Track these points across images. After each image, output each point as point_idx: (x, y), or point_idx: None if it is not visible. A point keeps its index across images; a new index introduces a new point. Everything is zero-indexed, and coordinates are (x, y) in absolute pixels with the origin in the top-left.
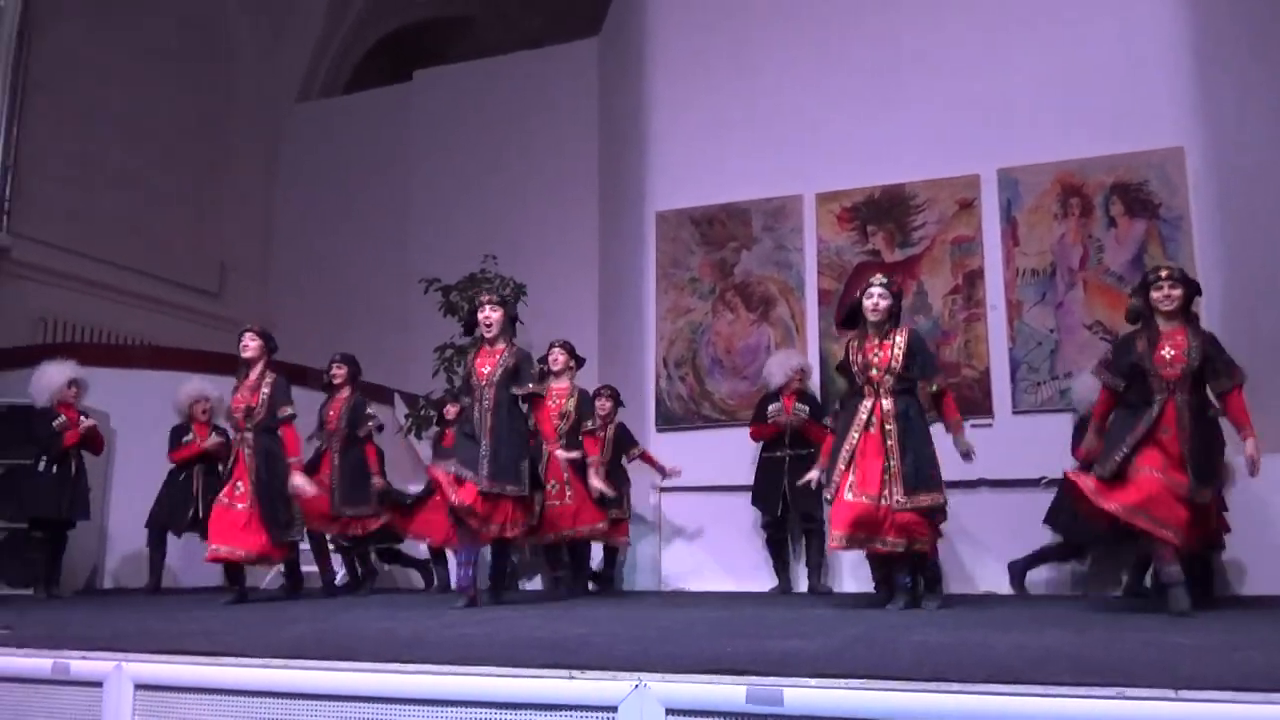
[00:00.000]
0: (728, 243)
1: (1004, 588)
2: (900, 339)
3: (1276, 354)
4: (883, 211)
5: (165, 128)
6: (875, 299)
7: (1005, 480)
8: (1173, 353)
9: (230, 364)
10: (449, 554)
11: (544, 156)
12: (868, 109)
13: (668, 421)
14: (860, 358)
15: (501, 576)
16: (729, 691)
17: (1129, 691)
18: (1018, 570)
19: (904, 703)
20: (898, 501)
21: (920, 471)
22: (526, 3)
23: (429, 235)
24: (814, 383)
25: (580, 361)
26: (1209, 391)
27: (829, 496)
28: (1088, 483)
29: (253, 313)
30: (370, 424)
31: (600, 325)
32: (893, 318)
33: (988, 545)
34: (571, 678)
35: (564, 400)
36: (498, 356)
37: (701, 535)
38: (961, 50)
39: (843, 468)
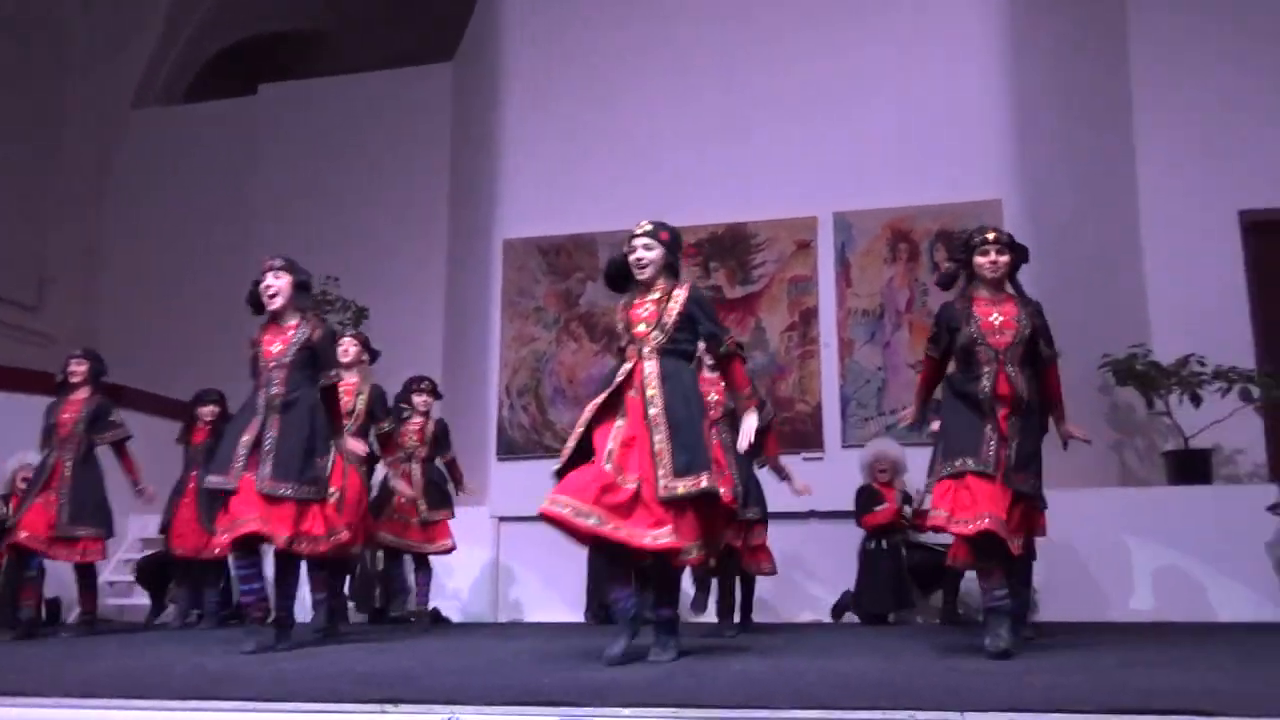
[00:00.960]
0: (574, 273)
1: (826, 616)
2: (680, 293)
3: (1081, 397)
4: (725, 248)
5: None
6: (639, 252)
7: (836, 511)
8: (1001, 319)
9: (45, 382)
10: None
11: (393, 178)
12: (714, 149)
13: (509, 450)
14: (626, 316)
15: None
16: None
17: (919, 715)
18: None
19: None
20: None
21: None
22: (385, 22)
23: (270, 253)
24: None
25: (374, 355)
26: (1038, 360)
27: None
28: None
29: (74, 328)
30: (114, 432)
31: (445, 351)
32: (668, 269)
33: (818, 574)
34: (385, 713)
35: (352, 397)
36: (290, 333)
37: (538, 566)
38: (804, 99)
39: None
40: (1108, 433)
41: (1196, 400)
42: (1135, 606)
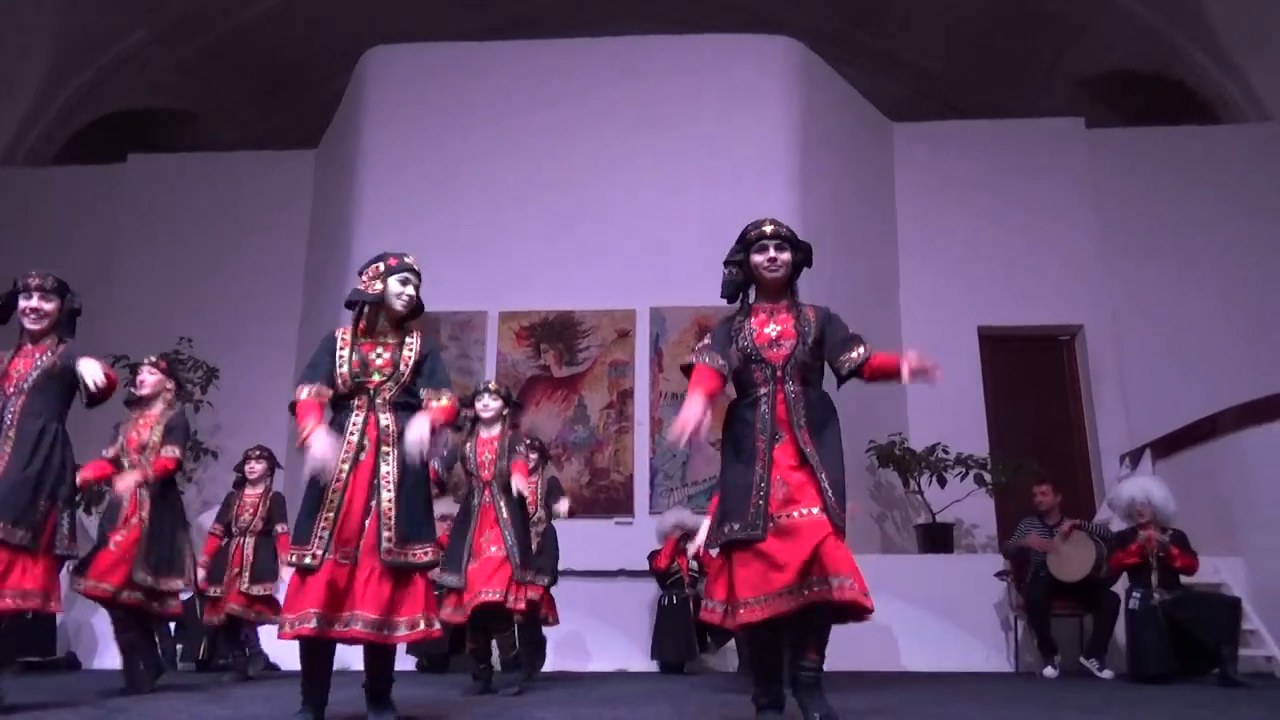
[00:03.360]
0: None
1: (635, 665)
2: (413, 341)
3: (850, 476)
4: (554, 333)
5: None
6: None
7: (641, 570)
8: (778, 329)
9: None
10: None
11: (253, 251)
12: (548, 243)
13: None
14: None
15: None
16: None
17: None
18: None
19: None
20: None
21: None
22: (253, 108)
23: (128, 316)
24: None
25: (180, 384)
26: (841, 367)
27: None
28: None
29: None
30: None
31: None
32: (412, 316)
33: (625, 628)
34: None
35: (147, 431)
36: (38, 355)
37: None
38: (626, 207)
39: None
40: (872, 506)
41: (943, 481)
42: (887, 658)
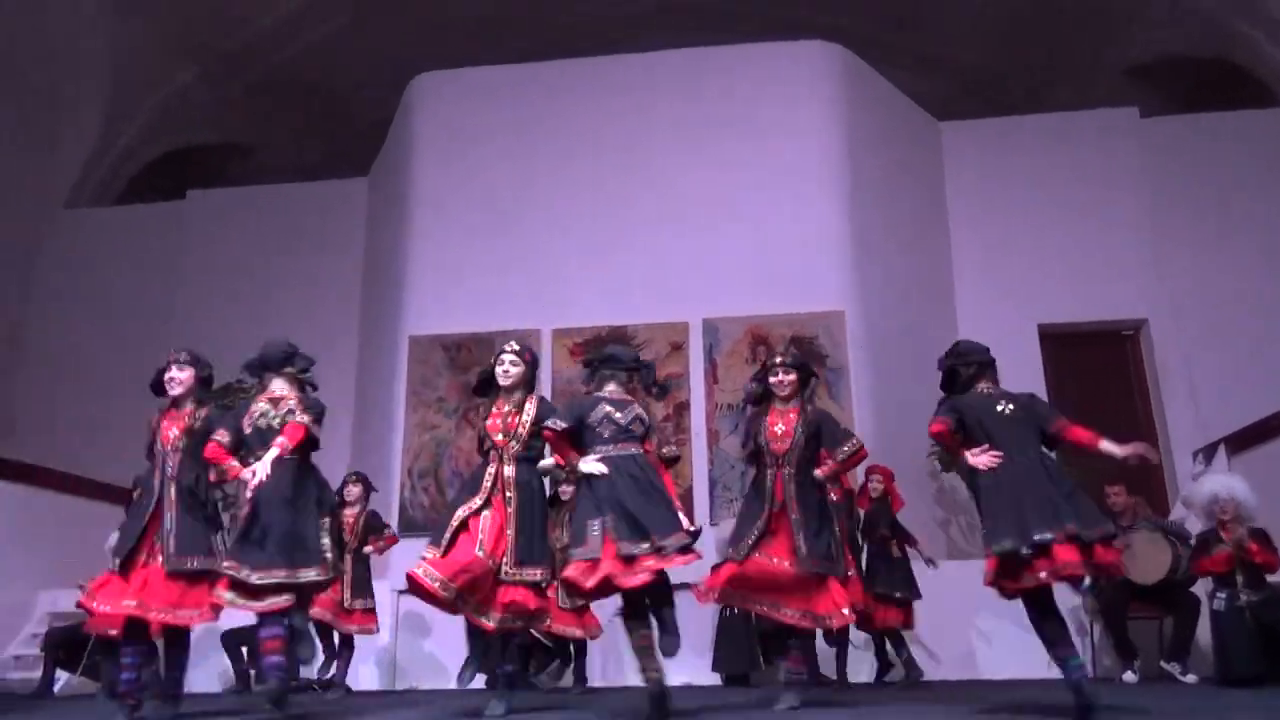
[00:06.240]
0: (473, 367)
1: (698, 679)
2: (530, 406)
3: (915, 479)
4: None
5: None
6: (506, 365)
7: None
8: (783, 428)
9: None
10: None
11: (310, 278)
12: (599, 260)
13: (409, 527)
14: (490, 423)
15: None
16: None
17: None
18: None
19: None
20: (507, 572)
21: (532, 543)
22: (304, 138)
23: (190, 346)
24: None
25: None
26: (835, 458)
27: None
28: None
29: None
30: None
31: (353, 435)
32: (526, 385)
33: (686, 641)
34: None
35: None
36: (185, 419)
37: (434, 634)
38: (676, 216)
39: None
40: (937, 512)
41: None
42: (963, 666)
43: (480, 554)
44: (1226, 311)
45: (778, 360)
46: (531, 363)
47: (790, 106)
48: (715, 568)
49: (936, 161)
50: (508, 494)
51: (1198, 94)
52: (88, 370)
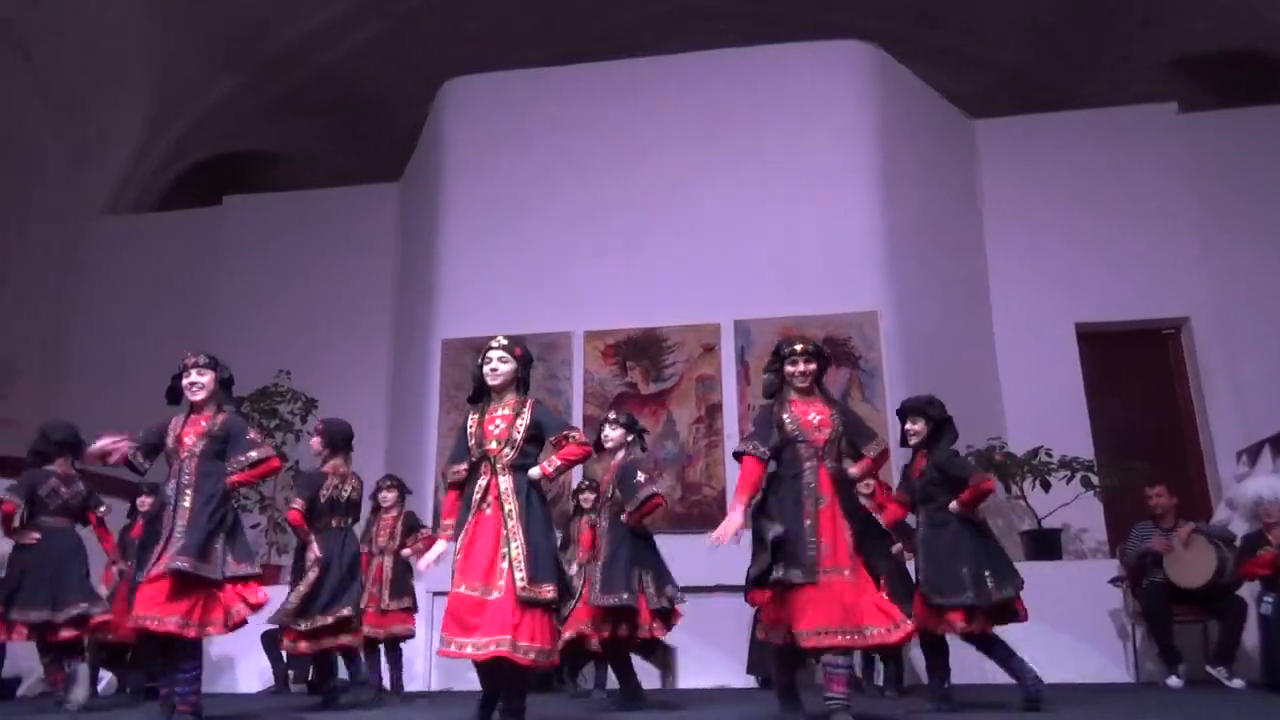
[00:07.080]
0: None
1: (734, 681)
2: (526, 412)
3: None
4: (640, 350)
5: None
6: (494, 363)
7: (736, 585)
8: (818, 418)
9: (13, 466)
10: None
11: (343, 283)
12: (630, 262)
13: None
14: (478, 429)
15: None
16: None
17: None
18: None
19: None
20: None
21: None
22: (337, 144)
23: (227, 350)
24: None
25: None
26: (868, 454)
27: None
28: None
29: (42, 415)
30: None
31: (388, 438)
32: (518, 385)
33: (722, 644)
34: None
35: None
36: (204, 423)
37: None
38: (707, 218)
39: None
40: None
41: (1046, 486)
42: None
43: (477, 593)
44: (1271, 308)
45: (797, 348)
46: (523, 360)
47: (823, 106)
48: (767, 590)
49: (971, 159)
50: (505, 506)
51: (1235, 88)
52: (126, 375)
